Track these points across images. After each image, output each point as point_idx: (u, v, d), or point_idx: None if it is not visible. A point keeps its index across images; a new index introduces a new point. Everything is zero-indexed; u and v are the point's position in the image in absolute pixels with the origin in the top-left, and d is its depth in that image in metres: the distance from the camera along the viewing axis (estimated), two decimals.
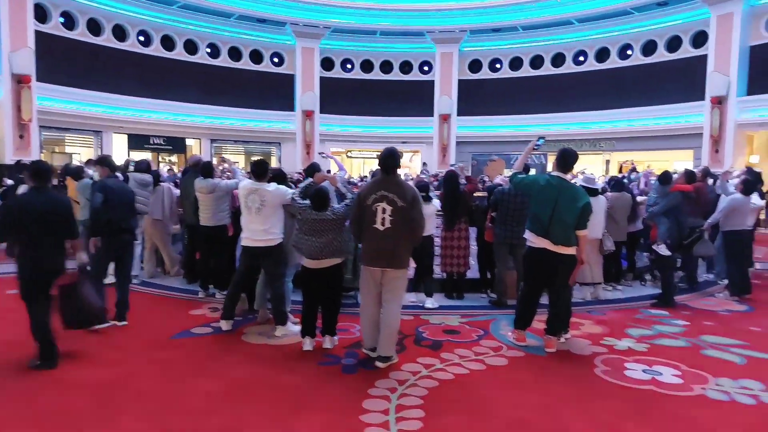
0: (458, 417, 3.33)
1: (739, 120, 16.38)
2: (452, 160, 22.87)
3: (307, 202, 4.54)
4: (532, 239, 4.49)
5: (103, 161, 5.56)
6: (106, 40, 17.67)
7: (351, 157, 24.04)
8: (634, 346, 4.70)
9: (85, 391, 3.65)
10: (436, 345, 4.68)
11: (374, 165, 24.88)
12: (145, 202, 6.94)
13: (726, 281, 7.14)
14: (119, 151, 17.65)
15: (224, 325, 5.06)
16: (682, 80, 17.97)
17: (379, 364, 4.15)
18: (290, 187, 5.20)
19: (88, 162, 8.46)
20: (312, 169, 5.84)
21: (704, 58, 17.10)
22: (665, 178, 6.23)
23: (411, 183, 5.78)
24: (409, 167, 23.49)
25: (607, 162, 21.51)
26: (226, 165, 6.88)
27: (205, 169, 6.18)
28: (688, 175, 6.41)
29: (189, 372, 4.04)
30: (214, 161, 6.69)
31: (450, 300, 6.33)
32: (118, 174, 7.86)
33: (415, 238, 4.20)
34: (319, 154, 7.07)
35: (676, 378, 3.97)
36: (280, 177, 5.33)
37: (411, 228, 4.10)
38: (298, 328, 4.92)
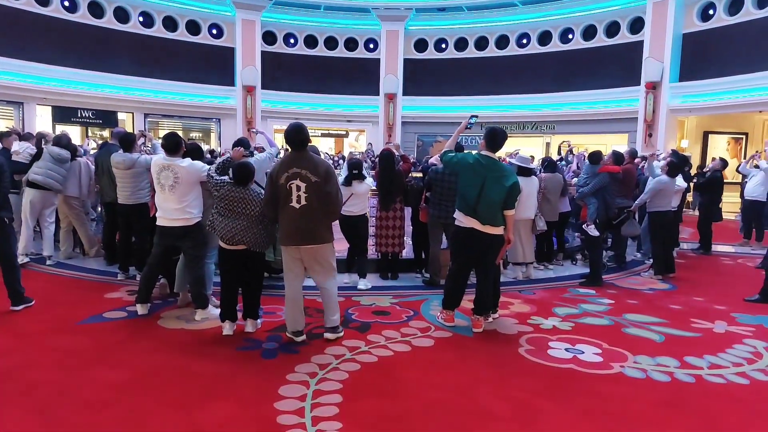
0: (375, 400, 3.22)
1: (671, 105, 17.05)
2: (398, 140, 22.76)
3: (225, 178, 4.26)
4: (461, 218, 4.41)
5: None
6: (27, 3, 16.30)
7: None
8: (559, 324, 4.74)
9: None
10: (364, 327, 4.55)
11: (320, 143, 24.48)
12: (59, 179, 6.42)
13: (651, 260, 7.39)
14: (43, 124, 16.46)
15: (140, 309, 4.74)
16: (619, 65, 18.48)
17: (327, 335, 4.19)
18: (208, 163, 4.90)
19: None
20: (240, 145, 5.51)
21: (641, 44, 17.61)
22: (595, 157, 6.30)
23: (328, 161, 5.58)
24: (355, 146, 23.24)
25: (547, 144, 21.99)
26: (145, 140, 6.42)
27: (123, 142, 5.74)
28: (616, 157, 6.52)
29: (92, 360, 3.73)
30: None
31: (384, 281, 6.22)
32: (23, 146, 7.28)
33: (332, 214, 4.04)
34: (250, 130, 6.73)
35: (596, 356, 4.01)
36: (194, 151, 5.00)
37: (327, 203, 3.94)
38: (218, 311, 4.68)
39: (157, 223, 4.69)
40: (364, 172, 6.05)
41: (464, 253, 4.47)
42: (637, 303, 5.57)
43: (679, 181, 7.14)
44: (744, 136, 18.21)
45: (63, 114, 17.60)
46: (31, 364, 3.63)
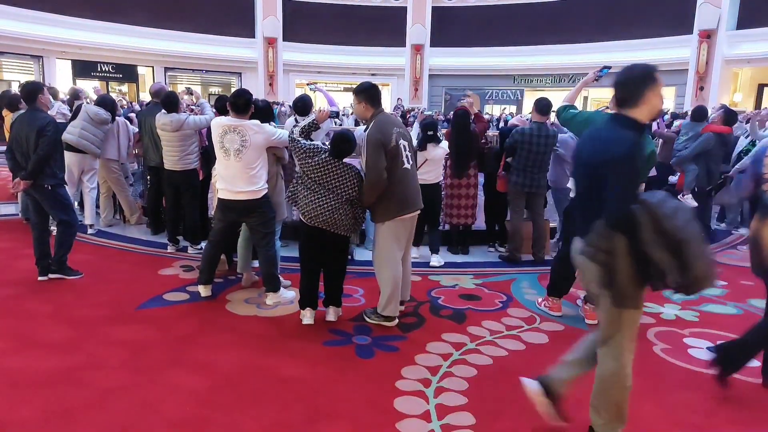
0: (514, 423, 2.67)
1: (727, 56, 15.85)
2: (425, 94, 21.80)
3: (318, 143, 3.63)
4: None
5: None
6: None
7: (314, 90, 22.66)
8: (681, 314, 4.15)
9: (30, 393, 2.79)
10: (459, 316, 3.99)
11: (342, 98, 23.56)
12: (95, 141, 5.83)
13: (743, 231, 6.70)
14: (63, 79, 15.80)
15: (203, 290, 4.22)
16: (669, 11, 17.16)
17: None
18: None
19: None
20: (304, 104, 4.85)
21: None
22: (699, 114, 5.48)
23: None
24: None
25: (586, 99, 20.89)
26: (192, 97, 5.76)
27: (168, 102, 5.09)
28: (728, 114, 5.66)
29: (165, 360, 3.22)
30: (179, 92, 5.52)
31: (455, 255, 5.63)
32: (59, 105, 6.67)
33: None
34: (308, 85, 6.00)
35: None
36: (265, 112, 4.35)
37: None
38: (292, 294, 4.16)
39: (220, 196, 4.10)
40: (438, 134, 5.35)
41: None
42: (754, 285, 4.90)
43: None
44: None
45: (83, 68, 16.89)
46: (97, 365, 3.13)
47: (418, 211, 3.74)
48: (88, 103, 6.32)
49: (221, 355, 3.29)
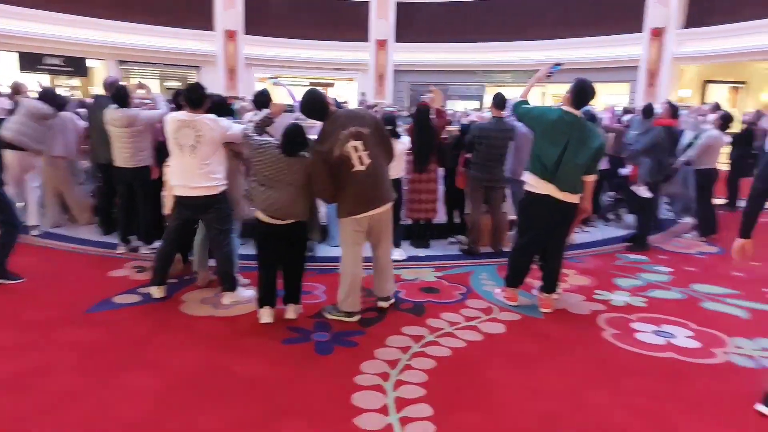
0: (472, 415, 2.70)
1: (676, 53, 16.42)
2: (390, 89, 21.82)
3: (270, 139, 3.58)
4: (534, 183, 3.81)
5: None
6: None
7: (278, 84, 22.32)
8: (630, 300, 4.29)
9: None
10: (418, 308, 4.02)
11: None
12: (34, 138, 5.52)
13: (688, 220, 6.99)
14: (8, 72, 15.06)
15: (156, 292, 4.11)
16: (622, 11, 17.64)
17: (383, 303, 3.99)
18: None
19: None
20: (264, 99, 4.76)
21: None
22: (648, 110, 5.70)
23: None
24: (337, 96, 22.15)
25: (543, 94, 21.31)
26: (144, 91, 5.58)
27: (118, 96, 4.93)
28: (673, 108, 5.90)
29: (118, 362, 3.13)
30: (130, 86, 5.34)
31: (417, 249, 5.67)
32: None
33: (390, 163, 3.88)
34: (270, 79, 5.91)
35: (691, 341, 3.57)
36: (221, 106, 4.27)
37: (388, 153, 3.78)
38: (250, 292, 4.10)
39: (175, 193, 4.00)
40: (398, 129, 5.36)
41: (537, 223, 3.91)
42: (697, 270, 5.16)
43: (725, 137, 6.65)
44: (742, 86, 17.81)
45: (28, 60, 16.13)
46: (46, 370, 3.01)
47: (379, 210, 3.65)
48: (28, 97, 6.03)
49: (177, 356, 3.22)
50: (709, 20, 15.58)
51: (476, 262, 5.25)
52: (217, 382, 2.95)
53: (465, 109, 19.81)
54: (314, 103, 3.61)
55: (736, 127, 9.22)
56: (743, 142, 8.02)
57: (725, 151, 7.13)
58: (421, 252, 5.60)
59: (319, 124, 3.66)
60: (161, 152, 5.02)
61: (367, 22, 21.11)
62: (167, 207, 4.20)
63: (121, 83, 5.50)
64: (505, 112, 5.27)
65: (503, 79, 21.43)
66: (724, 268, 5.22)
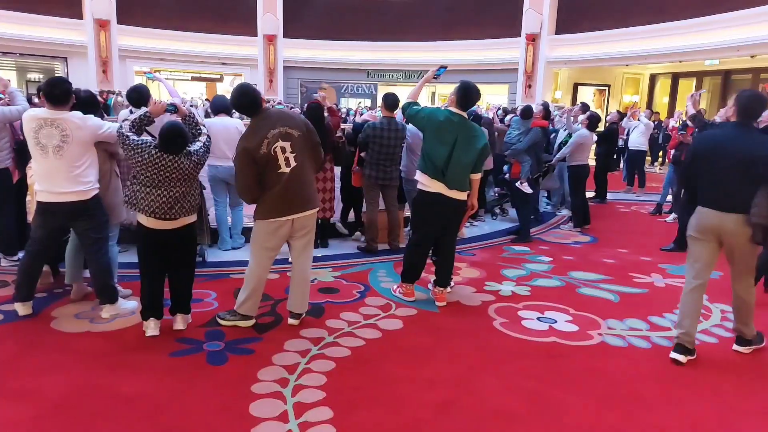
0: (372, 412, 2.71)
1: (549, 57, 17.80)
2: (280, 86, 21.42)
3: (148, 139, 3.32)
4: (425, 182, 3.93)
5: None
6: None
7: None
8: (516, 290, 4.57)
9: None
10: (317, 310, 3.96)
11: (191, 88, 22.15)
12: None
13: (564, 212, 7.60)
14: None
15: (21, 309, 3.68)
16: (502, 16, 18.78)
17: (293, 321, 3.70)
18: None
19: None
20: (139, 95, 4.42)
21: None
22: (527, 112, 6.12)
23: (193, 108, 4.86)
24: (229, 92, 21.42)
25: (433, 94, 22.12)
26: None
27: None
28: (546, 110, 6.37)
29: None
30: None
31: (314, 249, 5.57)
32: None
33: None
34: (146, 74, 5.49)
35: (570, 324, 3.87)
36: (90, 103, 3.90)
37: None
38: (132, 304, 3.80)
39: (39, 199, 3.59)
40: None
41: (429, 220, 4.03)
42: (574, 259, 5.62)
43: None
44: (607, 88, 19.76)
45: None
46: None
47: (300, 215, 3.49)
48: None
49: (48, 379, 2.90)
50: (576, 28, 17.10)
51: (374, 259, 5.30)
52: (97, 404, 2.69)
53: (359, 106, 20.03)
54: (245, 97, 3.44)
55: (602, 126, 10.20)
56: (608, 141, 8.86)
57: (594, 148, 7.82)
58: (319, 252, 5.53)
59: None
60: (22, 153, 4.49)
61: (256, 16, 20.55)
62: (31, 214, 3.77)
63: None
64: (396, 112, 5.37)
65: (395, 77, 21.91)
66: (596, 256, 5.74)
